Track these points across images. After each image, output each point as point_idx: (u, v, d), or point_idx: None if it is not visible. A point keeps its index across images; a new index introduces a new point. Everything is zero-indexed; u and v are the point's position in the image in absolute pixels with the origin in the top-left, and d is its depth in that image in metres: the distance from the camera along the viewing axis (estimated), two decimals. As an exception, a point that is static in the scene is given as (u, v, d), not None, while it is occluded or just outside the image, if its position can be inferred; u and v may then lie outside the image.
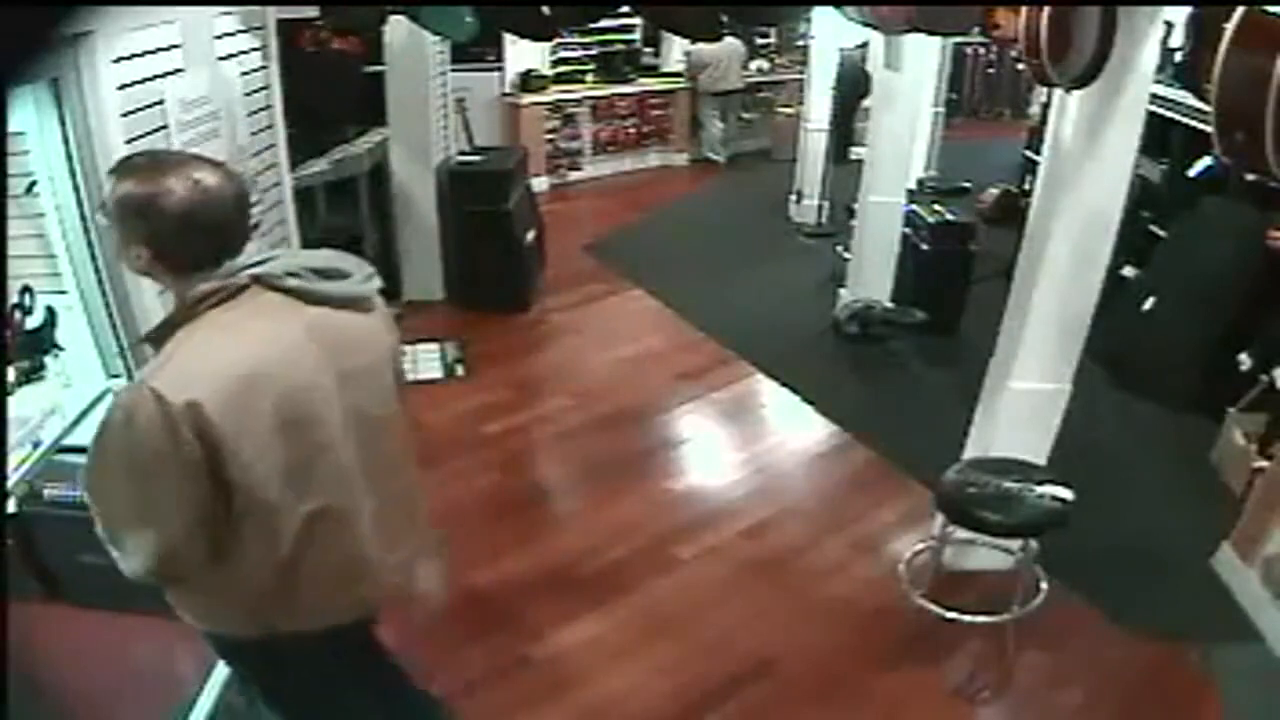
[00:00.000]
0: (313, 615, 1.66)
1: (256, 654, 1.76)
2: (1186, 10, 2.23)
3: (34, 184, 2.16)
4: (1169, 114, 4.53)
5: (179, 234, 1.44)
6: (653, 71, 9.19)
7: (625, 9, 5.30)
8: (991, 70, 11.57)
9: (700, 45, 8.46)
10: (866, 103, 5.99)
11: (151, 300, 2.35)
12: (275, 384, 1.48)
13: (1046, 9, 2.36)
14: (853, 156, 6.54)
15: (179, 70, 2.48)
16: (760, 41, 9.70)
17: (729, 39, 8.54)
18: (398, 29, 4.88)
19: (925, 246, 5.35)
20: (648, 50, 9.21)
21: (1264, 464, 3.51)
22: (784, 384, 4.90)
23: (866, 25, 3.87)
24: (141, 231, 1.45)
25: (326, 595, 1.65)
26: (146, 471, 1.43)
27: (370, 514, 1.67)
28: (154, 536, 1.47)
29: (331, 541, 1.61)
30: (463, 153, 5.91)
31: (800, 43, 8.86)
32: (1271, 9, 1.64)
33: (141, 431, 1.39)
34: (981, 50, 11.27)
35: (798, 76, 8.89)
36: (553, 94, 8.51)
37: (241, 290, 1.49)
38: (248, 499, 1.48)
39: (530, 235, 5.86)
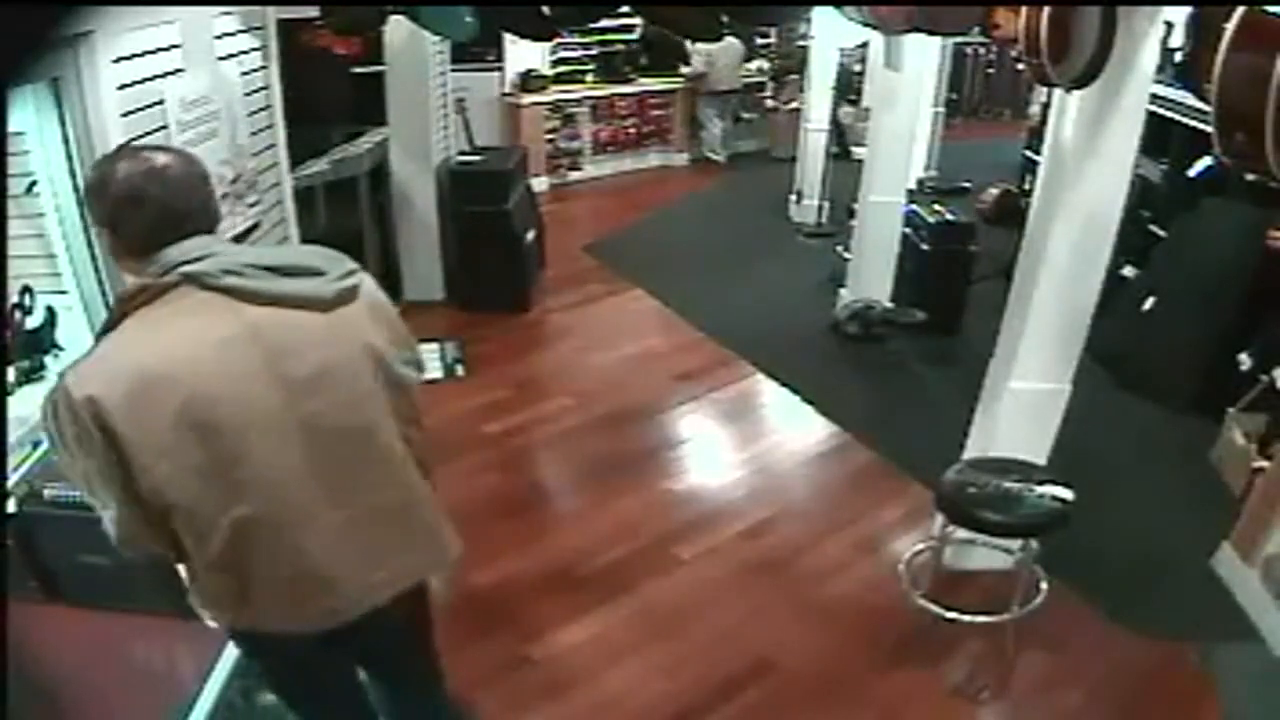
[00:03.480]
0: (273, 620, 1.63)
1: (240, 641, 1.83)
2: (1186, 10, 2.23)
3: (34, 184, 2.16)
4: (1169, 114, 4.52)
5: (126, 210, 1.46)
6: (653, 71, 9.18)
7: (625, 9, 5.30)
8: (991, 70, 11.56)
9: (699, 47, 8.47)
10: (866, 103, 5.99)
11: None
12: (181, 386, 1.43)
13: (1046, 9, 2.35)
14: (854, 156, 6.56)
15: (179, 70, 2.48)
16: (760, 41, 9.70)
17: (728, 39, 8.55)
18: (398, 29, 4.88)
19: (925, 246, 5.35)
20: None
21: (1264, 464, 3.51)
22: (784, 384, 4.90)
23: (866, 25, 3.87)
24: (98, 212, 1.50)
25: (282, 604, 1.61)
26: (72, 454, 1.46)
27: (334, 527, 1.58)
28: (107, 513, 1.51)
29: (272, 552, 1.56)
30: (463, 153, 5.91)
31: (800, 43, 8.86)
32: (1271, 9, 1.64)
33: (59, 420, 1.44)
34: (981, 50, 11.27)
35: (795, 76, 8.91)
36: (553, 94, 8.51)
37: (174, 287, 1.46)
38: (161, 497, 1.47)
39: (530, 235, 5.86)
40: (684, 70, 9.07)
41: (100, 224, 1.51)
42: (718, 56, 8.69)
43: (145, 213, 1.46)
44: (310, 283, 1.54)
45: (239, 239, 2.80)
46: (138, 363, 1.44)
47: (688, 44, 8.73)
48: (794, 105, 8.97)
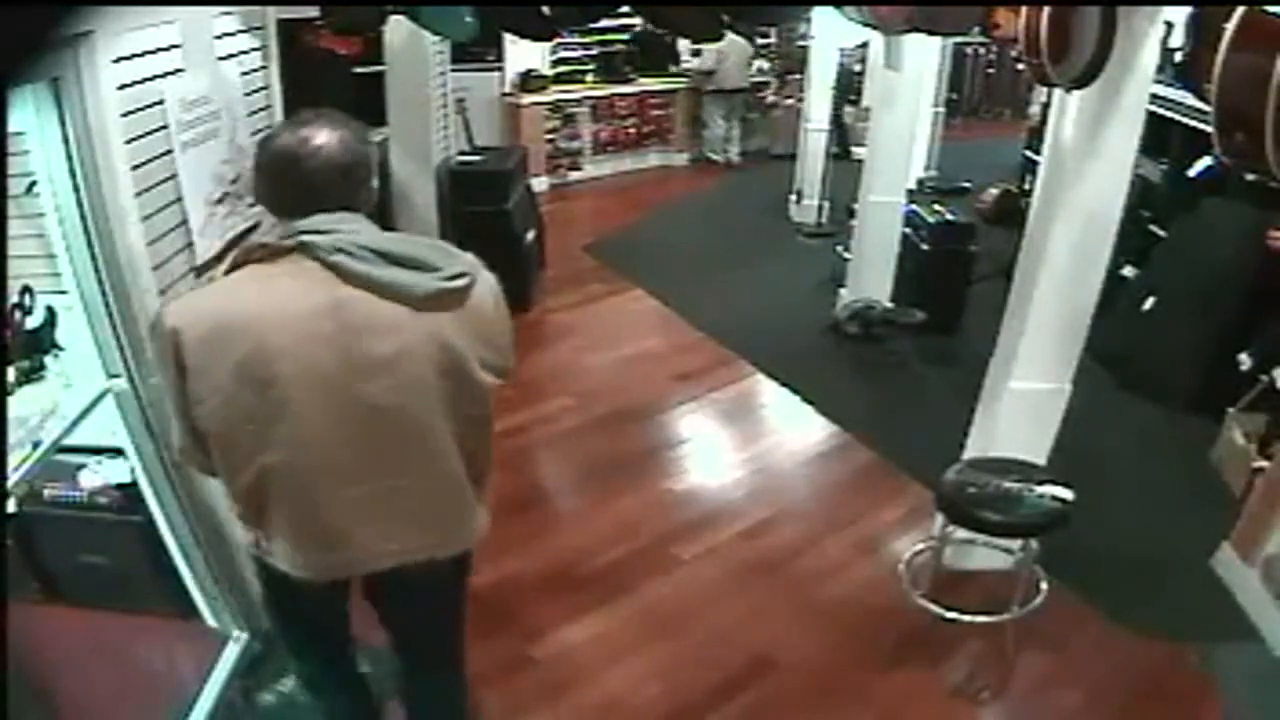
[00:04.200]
0: (280, 559, 1.77)
1: (258, 567, 1.92)
2: (1186, 10, 2.23)
3: (34, 184, 2.15)
4: (1169, 114, 4.52)
5: (269, 181, 1.63)
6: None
7: (625, 9, 5.30)
8: (991, 70, 11.57)
9: (710, 44, 8.45)
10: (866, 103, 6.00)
11: (152, 300, 2.35)
12: (250, 338, 1.56)
13: (1046, 9, 2.35)
14: (854, 156, 6.56)
15: (179, 70, 2.48)
16: (761, 41, 9.70)
17: (734, 37, 8.55)
18: (398, 29, 4.88)
19: (925, 246, 5.35)
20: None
21: (1264, 464, 3.51)
22: (784, 384, 4.90)
23: (866, 25, 3.87)
24: (254, 173, 1.68)
25: (289, 548, 1.75)
26: (158, 370, 1.73)
27: (351, 498, 1.70)
28: (173, 425, 1.73)
29: (290, 503, 1.70)
30: (463, 153, 5.91)
31: (801, 43, 8.86)
32: (1271, 9, 1.64)
33: (152, 338, 1.70)
34: (981, 50, 11.27)
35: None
36: (553, 94, 8.52)
37: (289, 252, 1.59)
38: (207, 426, 1.64)
39: (530, 235, 5.86)
40: (692, 67, 9.07)
41: (254, 183, 1.69)
42: (728, 54, 8.68)
43: (283, 187, 1.61)
44: (412, 275, 1.61)
45: (238, 239, 2.80)
46: (223, 309, 1.60)
47: (684, 43, 8.74)
48: (792, 102, 8.99)
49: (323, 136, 1.59)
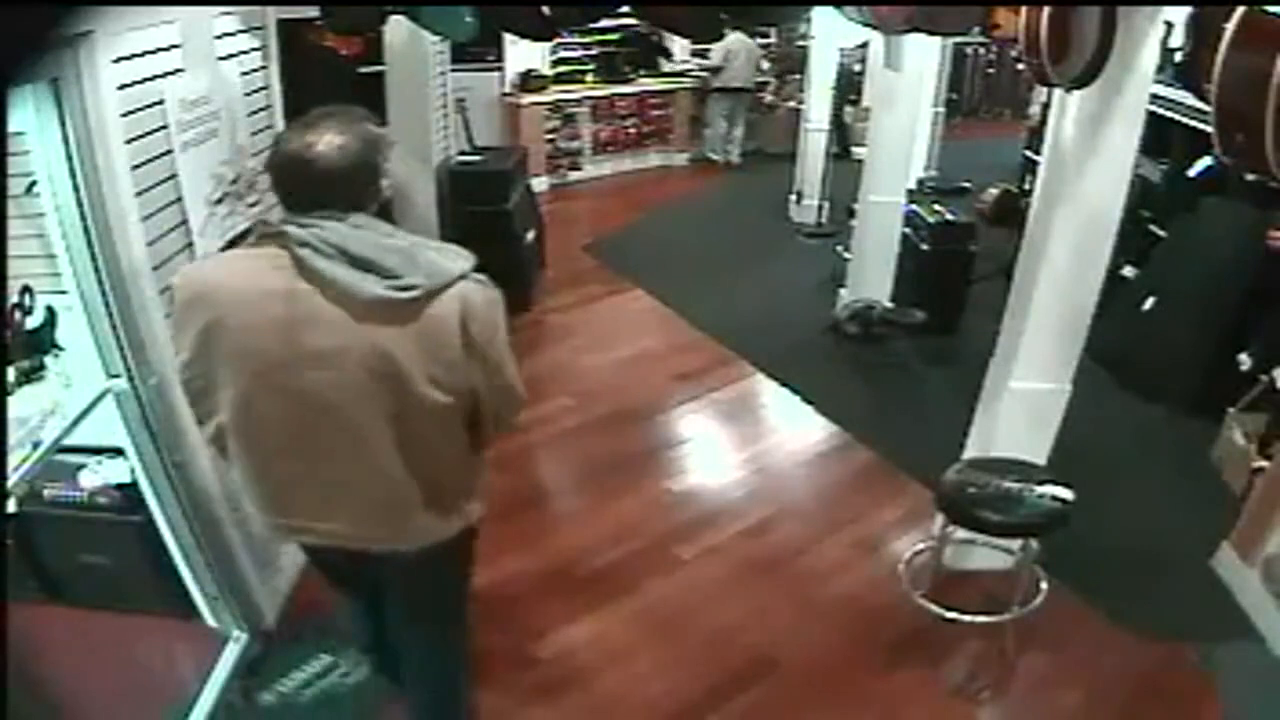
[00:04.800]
0: (255, 508, 1.94)
1: None
2: (1186, 10, 2.23)
3: (34, 184, 2.15)
4: (1169, 114, 4.52)
5: (274, 177, 1.74)
6: (653, 71, 9.18)
7: (625, 9, 5.30)
8: (991, 70, 11.58)
9: (715, 43, 8.43)
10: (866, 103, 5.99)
11: (152, 300, 2.35)
12: (216, 309, 1.71)
13: (1046, 9, 2.35)
14: (854, 156, 6.56)
15: (179, 70, 2.48)
16: (761, 41, 9.69)
17: (743, 36, 8.54)
18: (398, 29, 4.88)
19: (925, 246, 5.35)
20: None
21: (1264, 464, 3.51)
22: (784, 384, 4.90)
23: (866, 25, 3.87)
24: (266, 168, 1.81)
25: (252, 503, 1.93)
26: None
27: (290, 472, 1.82)
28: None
29: (242, 462, 1.85)
30: (463, 153, 5.90)
31: (800, 43, 8.86)
32: (1271, 9, 1.64)
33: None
34: (981, 50, 11.28)
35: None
36: (553, 94, 8.52)
37: (271, 239, 1.70)
38: (179, 377, 1.85)
39: (530, 235, 5.86)
40: (700, 64, 9.05)
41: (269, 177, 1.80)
42: (738, 52, 8.67)
43: (283, 185, 1.72)
44: (360, 278, 1.65)
45: (237, 239, 2.80)
46: (203, 279, 1.77)
47: (681, 42, 8.74)
48: (792, 103, 8.98)
49: (326, 142, 1.66)
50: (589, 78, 8.82)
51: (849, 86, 7.96)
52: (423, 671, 2.36)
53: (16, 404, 2.13)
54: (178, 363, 1.82)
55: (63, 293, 2.28)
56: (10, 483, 1.96)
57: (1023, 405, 3.05)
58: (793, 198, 7.63)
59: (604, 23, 8.17)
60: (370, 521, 1.88)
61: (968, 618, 2.92)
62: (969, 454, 3.22)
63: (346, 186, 1.68)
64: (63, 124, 2.07)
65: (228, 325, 1.70)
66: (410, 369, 1.70)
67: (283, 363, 1.70)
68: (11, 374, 2.20)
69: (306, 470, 1.81)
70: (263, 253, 1.70)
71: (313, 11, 3.72)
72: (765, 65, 9.73)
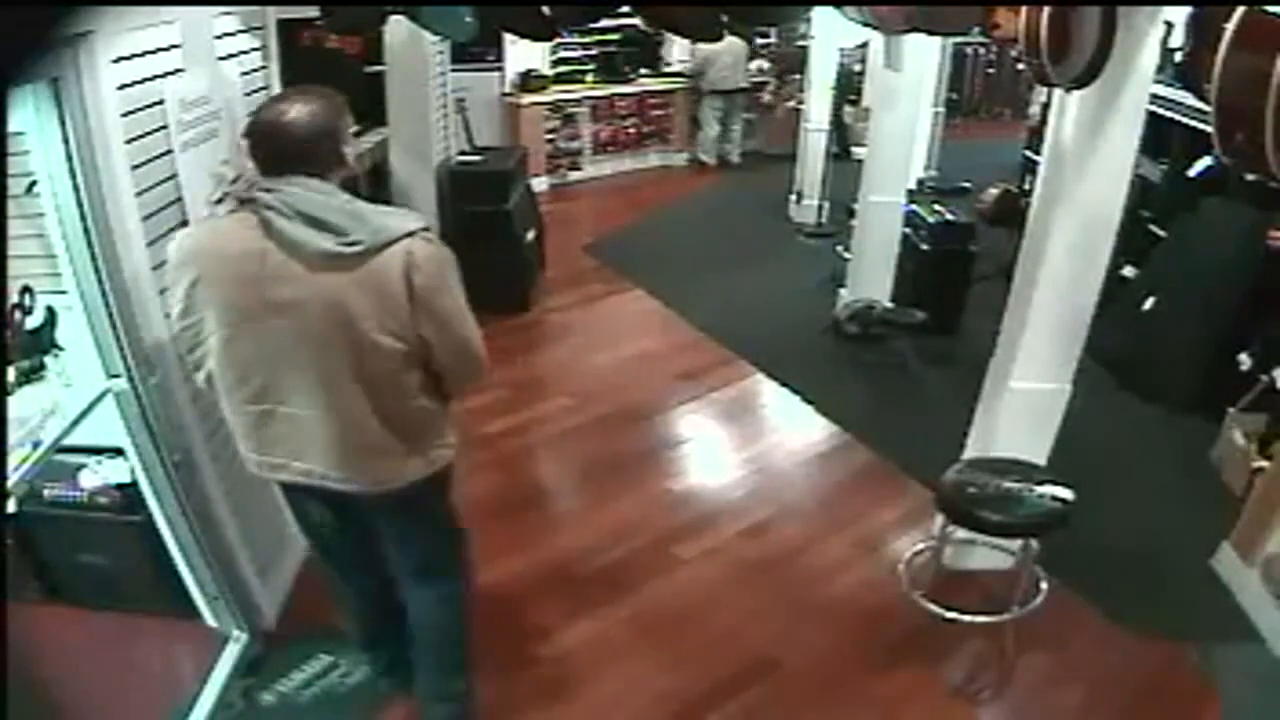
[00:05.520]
0: (242, 448, 2.14)
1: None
2: (1186, 10, 2.23)
3: (34, 184, 2.15)
4: (1169, 114, 4.52)
5: (250, 145, 1.94)
6: (653, 71, 9.18)
7: (625, 9, 5.29)
8: (991, 70, 11.57)
9: (703, 44, 8.45)
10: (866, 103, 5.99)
11: (152, 300, 2.35)
12: (198, 267, 1.94)
13: (1046, 9, 2.35)
14: (854, 156, 6.55)
15: (179, 70, 2.48)
16: (761, 41, 9.69)
17: (730, 37, 8.53)
18: (398, 29, 4.88)
19: (925, 246, 5.34)
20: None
21: (1264, 464, 3.51)
22: (784, 384, 4.90)
23: (866, 25, 3.87)
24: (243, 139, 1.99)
25: (243, 443, 2.12)
26: None
27: (264, 413, 2.03)
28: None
29: (227, 402, 2.06)
30: (463, 153, 5.90)
31: (800, 43, 8.85)
32: (1271, 9, 1.63)
33: None
34: (981, 50, 11.27)
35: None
36: (553, 94, 8.51)
37: (245, 204, 1.91)
38: (173, 328, 2.08)
39: (530, 235, 5.86)
40: (683, 69, 9.05)
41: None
42: (718, 54, 8.67)
43: (258, 151, 1.92)
44: (314, 236, 1.86)
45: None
46: (191, 243, 1.99)
47: (682, 42, 8.73)
48: (791, 104, 8.98)
49: (293, 111, 1.88)
50: (589, 78, 8.81)
51: (849, 86, 7.96)
52: (417, 609, 2.47)
53: (16, 404, 2.13)
54: (173, 316, 2.03)
55: (63, 293, 2.28)
56: (10, 483, 1.96)
57: (1023, 405, 3.05)
58: (793, 198, 7.63)
59: (604, 23, 8.18)
60: (339, 461, 2.05)
61: (968, 618, 2.92)
62: (969, 454, 3.22)
63: (315, 151, 1.90)
64: (63, 124, 2.07)
65: (209, 281, 1.93)
66: (361, 316, 1.90)
67: (253, 313, 1.91)
68: (11, 374, 2.20)
69: (280, 411, 2.01)
70: (239, 217, 1.92)
71: (313, 11, 3.72)
72: (765, 65, 9.72)
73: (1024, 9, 2.44)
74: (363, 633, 2.66)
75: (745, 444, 4.42)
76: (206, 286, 1.93)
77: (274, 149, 1.90)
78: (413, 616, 2.48)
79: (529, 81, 8.31)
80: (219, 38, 2.75)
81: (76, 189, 2.13)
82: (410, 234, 1.92)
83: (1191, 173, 4.82)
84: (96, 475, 2.62)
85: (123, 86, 2.21)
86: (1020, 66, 8.79)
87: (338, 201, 1.90)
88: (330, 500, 2.18)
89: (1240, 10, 1.65)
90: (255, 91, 3.00)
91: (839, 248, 6.03)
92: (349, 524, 2.29)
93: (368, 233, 1.87)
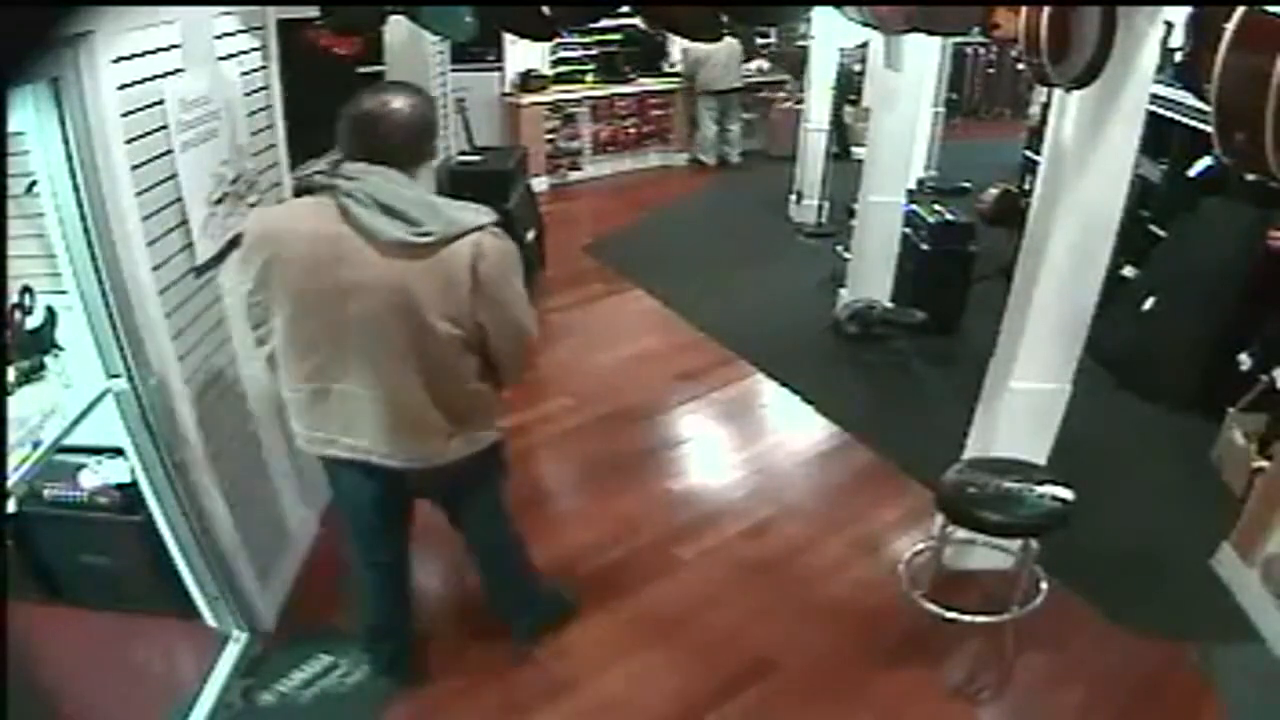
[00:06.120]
0: (294, 422, 2.25)
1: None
2: (1186, 10, 2.23)
3: (34, 184, 2.15)
4: (1169, 114, 4.52)
5: (342, 132, 2.04)
6: (653, 71, 9.18)
7: (625, 9, 5.30)
8: (991, 70, 11.56)
9: (695, 45, 8.46)
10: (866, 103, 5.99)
11: (152, 300, 2.35)
12: (274, 247, 2.03)
13: (1046, 9, 2.35)
14: (854, 156, 6.55)
15: (179, 70, 2.48)
16: (761, 41, 9.69)
17: (726, 38, 8.52)
18: (398, 29, 4.87)
19: (925, 246, 5.34)
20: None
21: (1264, 464, 3.51)
22: (784, 384, 4.90)
23: (866, 25, 3.87)
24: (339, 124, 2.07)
25: (296, 418, 2.22)
26: None
27: (325, 390, 2.12)
28: None
29: (286, 376, 2.16)
30: (463, 153, 5.90)
31: (800, 43, 8.85)
32: (1271, 9, 1.63)
33: None
34: (981, 50, 11.27)
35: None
36: (553, 94, 8.51)
37: (325, 189, 2.00)
38: (249, 298, 2.14)
39: (530, 235, 5.86)
40: (676, 69, 9.05)
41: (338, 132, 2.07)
42: (710, 55, 8.66)
43: (349, 139, 2.02)
44: (390, 225, 1.95)
45: (238, 239, 2.80)
46: (270, 221, 2.17)
47: (681, 42, 8.72)
48: (790, 104, 8.98)
49: (392, 104, 2.00)
50: (589, 78, 8.81)
51: (849, 86, 7.96)
52: (485, 554, 2.77)
53: (16, 404, 2.13)
54: (243, 291, 2.13)
55: (63, 293, 2.29)
56: (10, 483, 1.96)
57: (1023, 405, 3.05)
58: (793, 198, 7.63)
59: (604, 23, 8.18)
60: (388, 438, 2.15)
61: (968, 618, 2.92)
62: (969, 454, 3.21)
63: (404, 143, 2.01)
64: (63, 124, 2.07)
65: (283, 260, 2.02)
66: (425, 303, 1.99)
67: (322, 293, 2.00)
68: (11, 374, 2.20)
69: (335, 389, 2.11)
70: (318, 201, 2.00)
71: (313, 11, 3.72)
72: (766, 65, 9.72)
73: (1024, 9, 2.44)
74: (372, 620, 2.70)
75: (745, 444, 4.42)
76: (279, 266, 2.02)
77: (373, 137, 1.99)
78: (482, 566, 2.80)
79: (529, 81, 8.31)
80: (219, 38, 2.75)
81: (76, 189, 2.13)
82: (480, 228, 2.02)
83: (1191, 173, 4.82)
84: (96, 475, 2.62)
85: (123, 86, 2.21)
86: (1020, 66, 8.79)
87: (414, 194, 2.00)
88: (374, 475, 2.26)
89: (1240, 10, 1.65)
90: (255, 91, 3.00)
91: (839, 248, 6.03)
92: (387, 501, 2.39)
93: (441, 224, 1.97)
